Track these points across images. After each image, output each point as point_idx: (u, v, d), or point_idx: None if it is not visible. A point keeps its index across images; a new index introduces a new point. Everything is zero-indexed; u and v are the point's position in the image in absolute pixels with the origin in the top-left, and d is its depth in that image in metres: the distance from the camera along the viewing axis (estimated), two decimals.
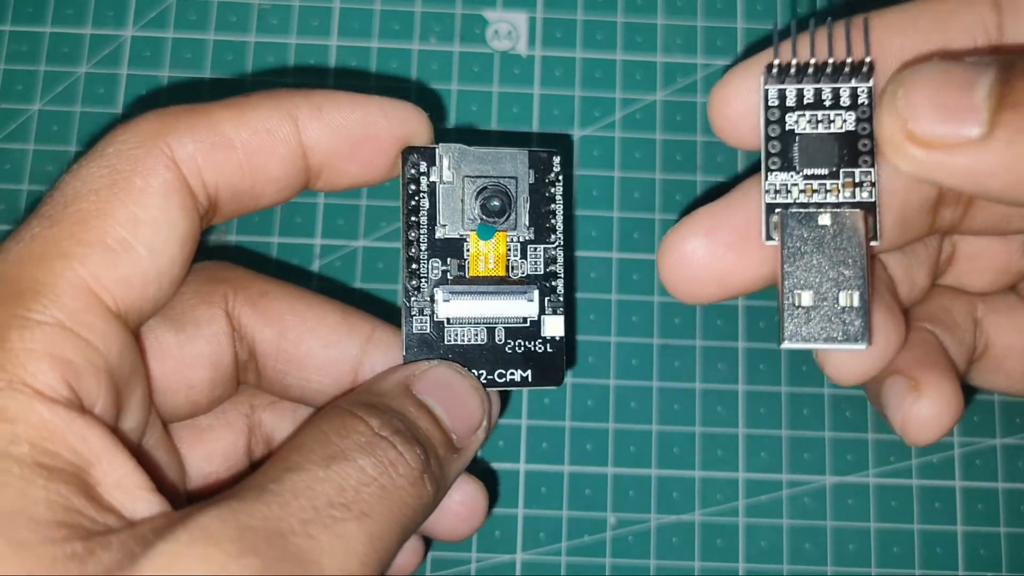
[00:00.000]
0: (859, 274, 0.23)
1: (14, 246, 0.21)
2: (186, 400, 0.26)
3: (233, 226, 0.35)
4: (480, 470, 0.34)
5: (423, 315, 0.25)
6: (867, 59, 0.23)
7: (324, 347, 0.26)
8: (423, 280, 0.25)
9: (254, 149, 0.23)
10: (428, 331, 0.25)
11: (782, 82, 0.24)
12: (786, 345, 0.23)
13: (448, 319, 0.25)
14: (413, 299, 0.25)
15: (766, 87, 0.24)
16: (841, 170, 0.24)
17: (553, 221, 0.26)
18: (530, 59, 0.37)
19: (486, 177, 0.26)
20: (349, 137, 0.24)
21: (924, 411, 0.25)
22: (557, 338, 0.26)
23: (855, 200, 0.24)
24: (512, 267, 0.26)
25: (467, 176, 0.25)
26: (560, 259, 0.26)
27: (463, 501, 0.27)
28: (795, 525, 0.34)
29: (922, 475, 0.34)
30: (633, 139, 0.36)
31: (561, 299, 0.26)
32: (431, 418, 0.24)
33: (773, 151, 0.24)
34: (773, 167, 0.24)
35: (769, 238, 0.24)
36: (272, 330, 0.26)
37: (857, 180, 0.24)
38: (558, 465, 0.34)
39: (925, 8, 0.24)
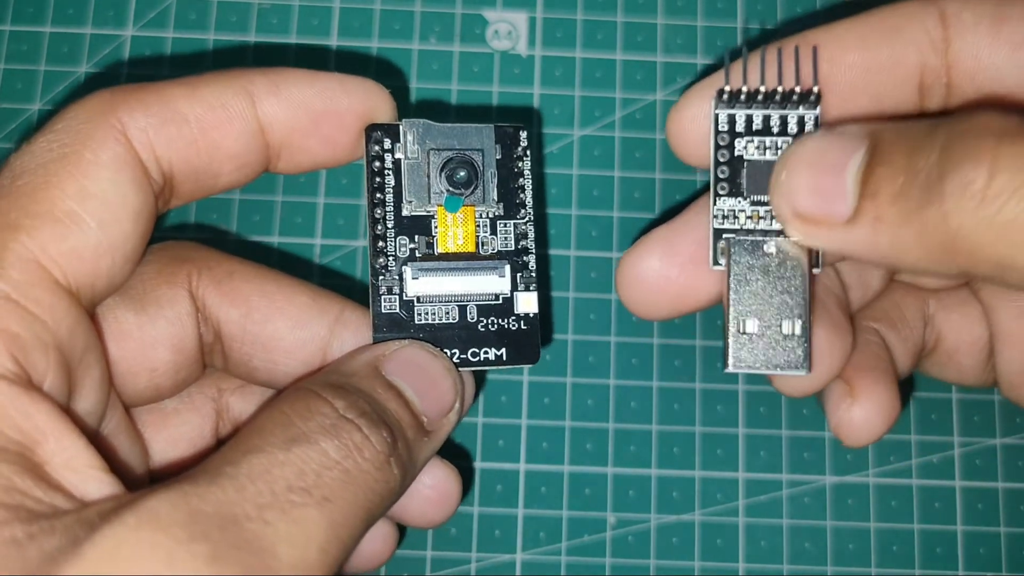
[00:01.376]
0: (801, 302, 0.24)
1: None
2: (149, 383, 0.25)
3: (233, 226, 0.35)
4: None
5: (392, 294, 0.25)
6: (815, 88, 0.24)
7: (291, 328, 0.25)
8: (390, 258, 0.25)
9: (208, 124, 0.23)
10: (397, 310, 0.25)
11: (732, 107, 0.24)
12: (730, 370, 0.24)
13: (418, 297, 0.25)
14: (381, 278, 0.25)
15: (716, 111, 0.24)
16: None
17: (522, 196, 0.26)
18: (530, 59, 0.37)
19: (452, 150, 0.25)
20: (308, 112, 0.24)
21: (857, 416, 0.26)
22: (531, 315, 0.25)
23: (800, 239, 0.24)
24: (482, 243, 0.25)
25: (432, 150, 0.25)
26: (531, 234, 0.26)
27: (434, 485, 0.26)
28: (795, 525, 0.34)
29: (922, 475, 0.34)
30: (633, 139, 0.36)
31: (534, 275, 0.25)
32: (401, 400, 0.23)
33: (722, 176, 0.24)
34: (722, 192, 0.24)
35: (716, 263, 0.24)
36: (238, 311, 0.25)
37: None
38: (558, 465, 0.34)
39: (874, 23, 0.24)
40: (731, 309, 0.24)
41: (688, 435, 0.34)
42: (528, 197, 0.26)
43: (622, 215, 0.35)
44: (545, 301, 0.34)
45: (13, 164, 0.21)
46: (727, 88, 0.24)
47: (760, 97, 0.24)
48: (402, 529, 0.28)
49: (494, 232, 0.25)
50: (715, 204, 0.24)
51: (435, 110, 0.36)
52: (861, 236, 0.22)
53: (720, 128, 0.24)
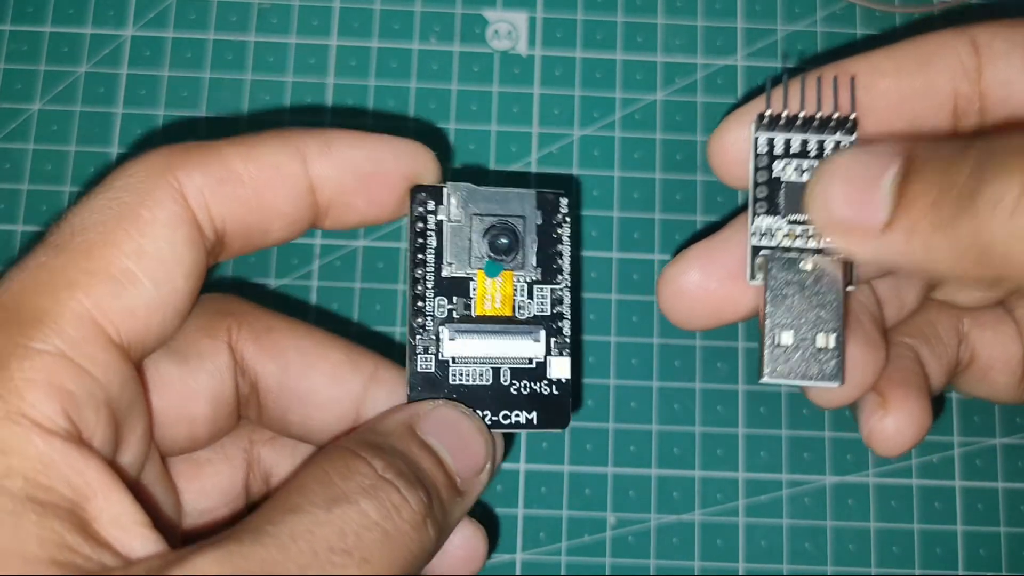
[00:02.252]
0: (836, 317, 0.25)
1: (19, 275, 0.21)
2: (186, 434, 0.25)
3: None
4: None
5: (428, 354, 0.25)
6: (852, 115, 0.25)
7: (327, 384, 0.26)
8: (428, 318, 0.25)
9: (262, 184, 0.23)
10: (433, 370, 0.25)
11: (772, 130, 0.25)
12: (766, 380, 0.25)
13: (453, 358, 0.25)
14: (418, 337, 0.25)
15: (756, 135, 0.25)
16: None
17: (560, 262, 0.26)
18: (530, 59, 0.37)
19: (494, 215, 0.25)
20: (356, 174, 0.24)
21: (889, 427, 0.27)
22: (563, 380, 0.26)
23: (834, 246, 0.25)
24: (519, 307, 0.26)
25: (475, 214, 0.25)
26: (567, 300, 0.26)
27: (462, 545, 0.27)
28: (795, 525, 0.34)
29: (922, 475, 0.34)
30: (633, 139, 0.36)
31: (568, 340, 0.26)
32: (435, 460, 0.23)
33: (760, 196, 0.25)
34: (760, 211, 0.25)
35: (753, 278, 0.25)
36: (275, 365, 0.26)
37: None
38: (558, 465, 0.34)
39: (908, 51, 0.25)
40: (767, 322, 0.25)
41: (688, 435, 0.34)
42: (566, 263, 0.26)
43: (622, 215, 0.35)
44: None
45: (72, 219, 0.22)
46: (768, 112, 0.25)
47: (799, 122, 0.25)
48: None
49: (531, 296, 0.26)
50: (753, 222, 0.25)
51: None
52: (895, 244, 0.22)
53: (759, 150, 0.25)
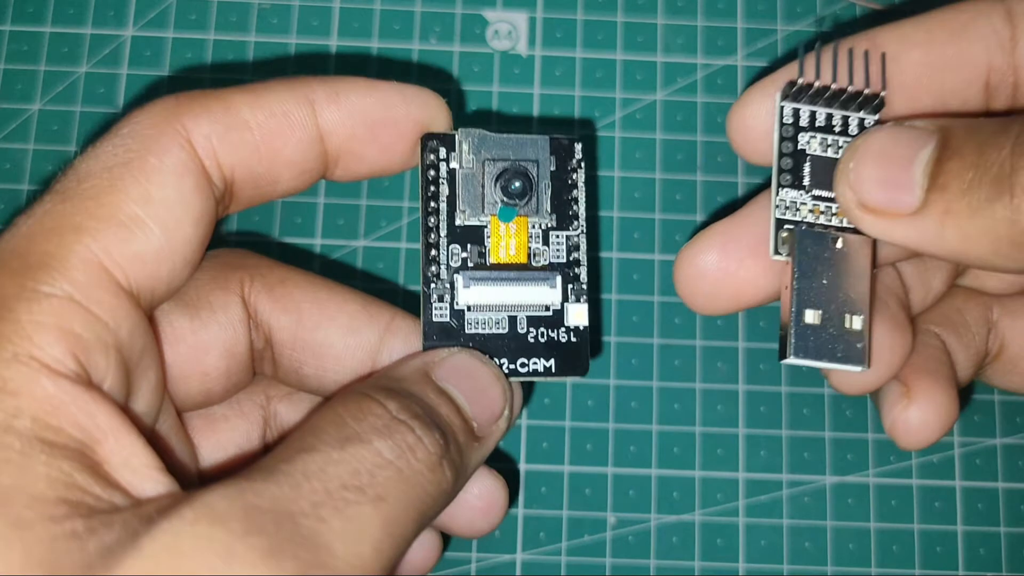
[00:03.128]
0: (863, 299, 0.24)
1: (25, 221, 0.21)
2: (200, 388, 0.25)
3: (233, 226, 0.35)
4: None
5: (443, 302, 0.25)
6: (881, 93, 0.24)
7: (342, 335, 0.26)
8: (443, 267, 0.25)
9: (270, 132, 0.23)
10: (448, 319, 0.25)
11: (798, 101, 0.24)
12: (790, 360, 0.24)
13: (469, 306, 0.25)
14: (433, 286, 0.25)
15: (782, 104, 0.24)
16: None
17: (575, 208, 0.26)
18: (530, 59, 0.37)
19: (507, 160, 0.25)
20: (366, 120, 0.24)
21: (913, 418, 0.26)
22: (581, 327, 0.25)
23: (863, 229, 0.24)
24: (534, 254, 0.25)
25: (487, 160, 0.25)
26: (583, 246, 0.26)
27: (482, 495, 0.27)
28: (795, 525, 0.34)
29: (922, 475, 0.34)
30: (633, 139, 0.36)
31: (584, 287, 0.25)
32: (452, 405, 0.23)
33: (785, 168, 0.24)
34: (784, 183, 0.24)
35: (777, 253, 0.24)
36: (289, 318, 0.26)
37: None
38: (558, 465, 0.34)
39: (940, 20, 0.24)
40: (795, 298, 0.24)
41: (688, 435, 0.34)
42: (581, 209, 0.26)
43: (622, 215, 0.35)
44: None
45: (78, 167, 0.22)
46: (799, 80, 0.24)
47: (827, 94, 0.24)
48: (445, 539, 0.29)
49: (546, 243, 0.25)
50: (777, 194, 0.24)
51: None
52: (928, 228, 0.22)
53: (785, 120, 0.24)
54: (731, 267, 0.25)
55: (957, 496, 0.34)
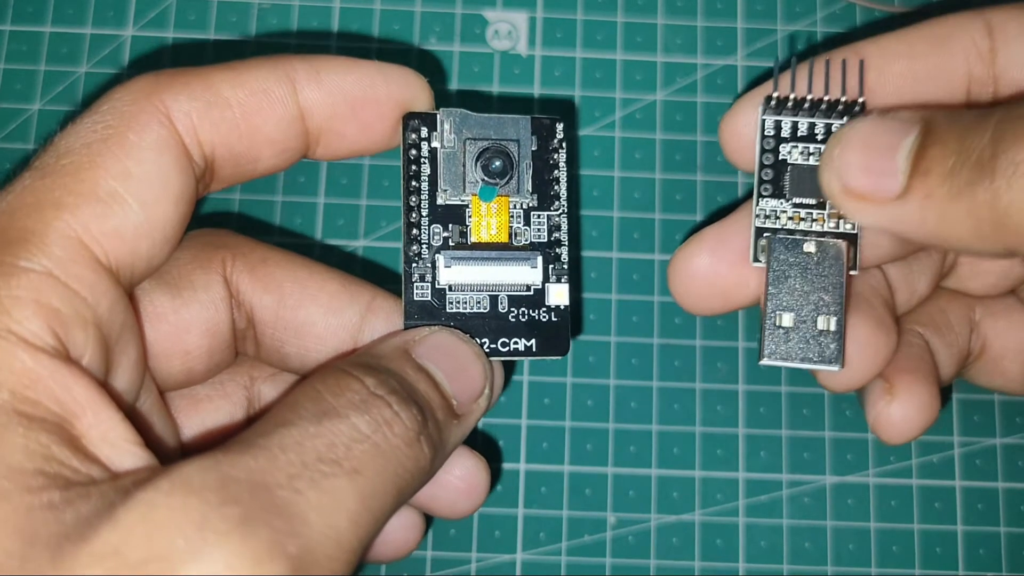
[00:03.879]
0: (837, 300, 0.25)
1: (5, 196, 0.21)
2: (182, 367, 0.25)
3: (232, 226, 0.35)
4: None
5: (424, 282, 0.25)
6: (860, 99, 0.25)
7: (323, 314, 0.26)
8: (424, 246, 0.25)
9: (250, 109, 0.23)
10: (429, 298, 0.25)
11: (779, 113, 0.25)
12: (765, 362, 0.25)
13: (450, 285, 0.25)
14: (414, 265, 0.25)
15: (763, 117, 0.25)
16: (828, 202, 0.25)
17: (556, 188, 0.26)
18: (530, 59, 0.37)
19: (488, 139, 0.25)
20: (347, 99, 0.24)
21: (895, 413, 0.26)
22: (562, 306, 0.25)
23: (839, 231, 0.25)
24: (515, 234, 0.25)
25: (468, 139, 0.25)
26: (564, 226, 0.26)
27: (463, 476, 0.27)
28: (795, 525, 0.34)
29: (922, 475, 0.34)
30: (633, 139, 0.36)
31: (565, 267, 0.25)
32: (430, 382, 0.23)
33: (766, 178, 0.25)
34: (765, 193, 0.25)
35: (756, 260, 0.25)
36: (271, 297, 0.26)
37: (841, 213, 0.25)
38: (558, 465, 0.34)
39: (921, 33, 0.25)
40: (768, 303, 0.25)
41: (688, 435, 0.34)
42: (562, 189, 0.26)
43: (622, 215, 0.35)
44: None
45: (58, 144, 0.22)
46: (775, 95, 0.25)
47: (807, 105, 0.25)
48: (428, 521, 0.29)
49: (528, 223, 0.25)
50: (758, 204, 0.25)
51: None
52: (910, 213, 0.22)
53: (766, 133, 0.25)
54: (721, 270, 0.26)
55: (957, 496, 0.34)
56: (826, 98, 0.25)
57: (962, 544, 0.33)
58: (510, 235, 0.25)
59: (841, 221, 0.25)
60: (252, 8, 0.37)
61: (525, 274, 0.25)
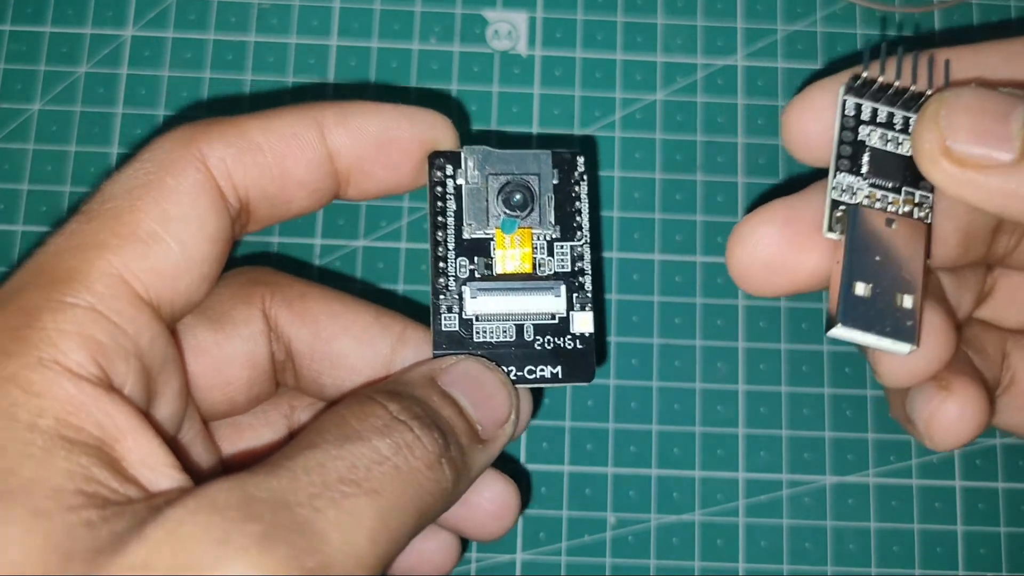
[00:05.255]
0: (916, 280, 0.24)
1: (53, 239, 0.23)
2: (224, 398, 0.26)
3: None
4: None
5: (451, 313, 0.26)
6: None
7: (357, 346, 0.27)
8: (451, 279, 0.26)
9: (281, 153, 0.24)
10: (457, 328, 0.26)
11: (861, 96, 0.25)
12: (838, 330, 0.23)
13: (476, 316, 0.26)
14: (442, 297, 0.26)
15: (845, 97, 0.25)
16: (904, 188, 0.25)
17: (579, 219, 0.26)
18: (530, 59, 0.37)
19: (510, 174, 0.26)
20: (373, 141, 0.25)
21: (951, 411, 0.25)
22: (587, 334, 0.26)
23: (914, 218, 0.24)
24: (539, 264, 0.26)
25: (491, 175, 0.26)
26: (587, 256, 0.26)
27: (492, 498, 0.27)
28: (795, 525, 0.34)
29: (922, 475, 0.34)
30: (633, 139, 0.36)
31: (589, 295, 0.26)
32: (455, 408, 0.24)
33: (844, 155, 0.25)
34: (842, 168, 0.24)
35: (831, 230, 0.24)
36: (307, 330, 0.27)
37: (917, 200, 0.25)
38: (558, 465, 0.34)
39: (997, 48, 0.25)
40: (845, 271, 0.23)
41: (688, 435, 0.34)
42: (585, 220, 0.26)
43: (622, 215, 0.35)
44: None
45: (104, 189, 0.23)
46: (864, 75, 0.24)
47: (891, 91, 0.24)
48: (464, 544, 0.29)
49: (551, 254, 0.26)
50: (835, 177, 0.24)
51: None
52: (1019, 183, 0.21)
53: (847, 112, 0.25)
54: (793, 244, 0.25)
55: (957, 496, 0.34)
56: (912, 87, 0.24)
57: (962, 544, 0.33)
58: (534, 266, 0.26)
59: (916, 209, 0.24)
60: (252, 8, 0.37)
61: (549, 303, 0.26)
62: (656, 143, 0.36)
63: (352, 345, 0.27)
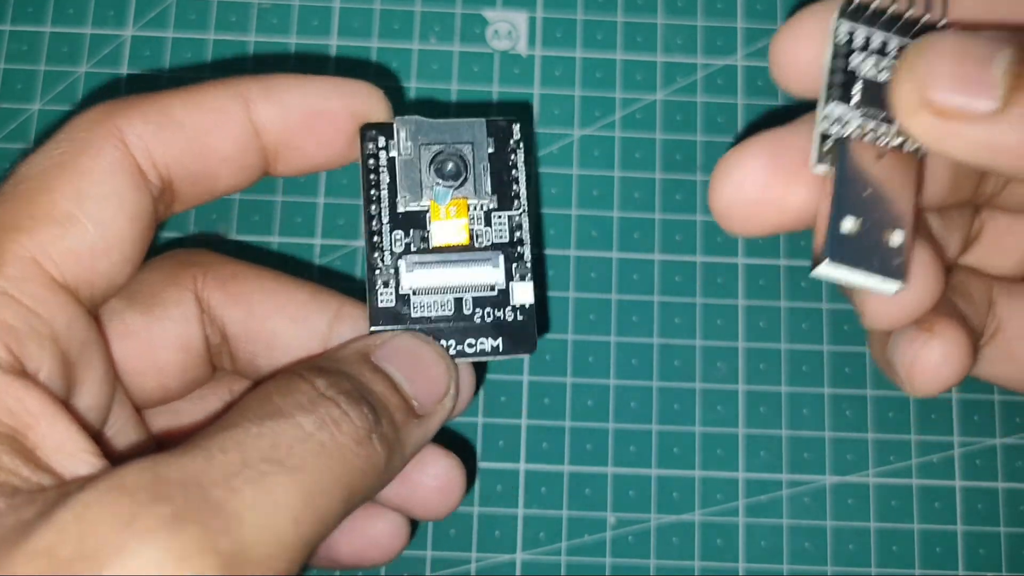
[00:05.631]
0: (906, 217, 0.22)
1: None
2: (156, 383, 0.26)
3: (233, 225, 0.35)
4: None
5: (387, 288, 0.25)
6: (941, 22, 0.23)
7: (292, 324, 0.26)
8: (386, 253, 0.25)
9: (204, 129, 0.24)
10: (394, 304, 0.25)
11: (854, 21, 0.23)
12: (824, 268, 0.22)
13: (413, 290, 0.25)
14: (377, 272, 0.25)
15: (839, 20, 0.23)
16: (896, 120, 0.23)
17: (516, 188, 0.26)
18: (530, 59, 0.37)
19: (443, 143, 0.25)
20: (300, 113, 0.25)
21: (935, 353, 0.24)
22: (527, 305, 0.25)
23: (905, 151, 0.23)
24: (476, 235, 0.25)
25: (423, 145, 0.25)
26: (525, 226, 0.26)
27: (437, 475, 0.27)
28: (795, 525, 0.34)
29: (922, 475, 0.34)
30: (633, 139, 0.36)
31: (528, 266, 0.26)
32: (388, 383, 0.23)
33: (835, 83, 0.23)
34: (832, 97, 0.23)
35: (819, 163, 0.23)
36: (241, 310, 0.26)
37: None
38: (558, 465, 0.34)
39: None
40: (834, 204, 0.22)
41: (688, 435, 0.34)
42: (522, 189, 0.26)
43: (622, 215, 0.35)
44: (541, 291, 0.34)
45: (17, 172, 0.22)
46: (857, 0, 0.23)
47: (885, 17, 0.23)
48: (414, 525, 0.29)
49: (489, 224, 0.26)
50: (825, 107, 0.23)
51: (435, 108, 0.36)
52: (1003, 134, 0.20)
53: (839, 39, 0.23)
54: (780, 176, 0.23)
55: (957, 496, 0.34)
56: (908, 13, 0.23)
57: (962, 544, 0.33)
58: (471, 237, 0.25)
59: (907, 142, 0.23)
60: (252, 8, 0.37)
61: (488, 274, 0.25)
62: (656, 143, 0.36)
63: (287, 324, 0.26)
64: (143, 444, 0.25)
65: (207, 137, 0.24)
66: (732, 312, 0.35)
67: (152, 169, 0.23)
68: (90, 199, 0.22)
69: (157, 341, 0.25)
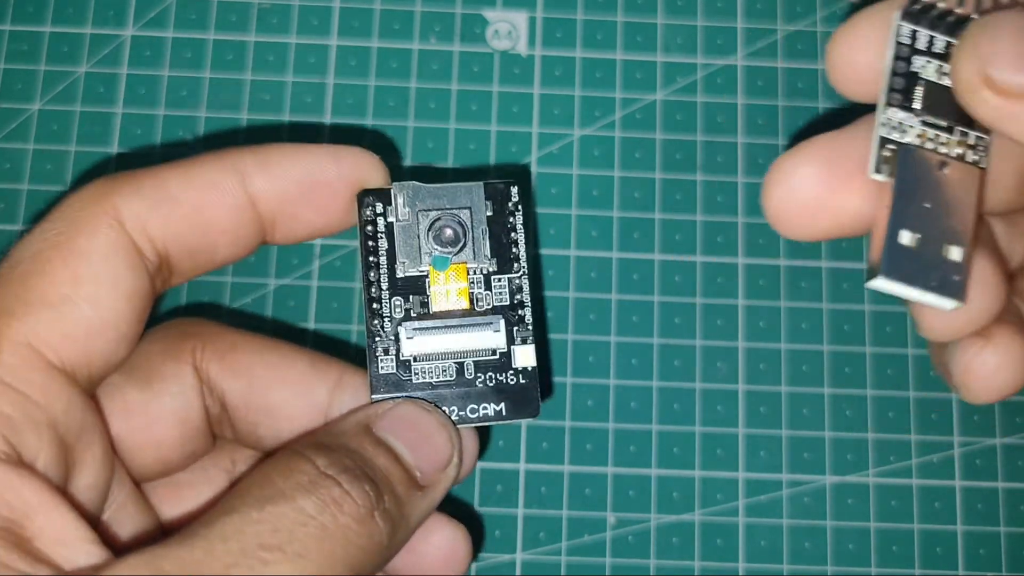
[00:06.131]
0: (966, 231, 0.22)
1: None
2: (156, 458, 0.25)
3: None
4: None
5: (388, 355, 0.25)
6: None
7: (292, 395, 0.26)
8: (386, 319, 0.25)
9: (200, 203, 0.24)
10: (394, 371, 0.25)
11: (917, 23, 0.23)
12: (879, 282, 0.22)
13: (414, 356, 0.25)
14: (377, 339, 0.25)
15: (901, 22, 0.23)
16: (957, 128, 0.23)
17: (515, 251, 0.26)
18: (530, 59, 0.37)
19: (441, 209, 0.25)
20: (296, 183, 0.24)
21: (989, 361, 0.23)
22: (529, 368, 0.25)
23: (966, 161, 0.23)
24: (476, 299, 0.25)
25: (421, 211, 0.25)
26: (526, 288, 0.25)
27: (441, 545, 0.26)
28: (795, 525, 0.34)
29: (922, 475, 0.34)
30: (633, 139, 0.36)
31: (530, 328, 0.25)
32: (390, 455, 0.23)
33: (896, 87, 0.22)
34: (893, 102, 0.22)
35: (877, 171, 0.22)
36: (241, 382, 0.26)
37: (972, 142, 0.23)
38: (558, 465, 0.34)
39: None
40: (892, 218, 0.22)
41: (688, 435, 0.34)
42: (522, 251, 0.26)
43: (622, 215, 0.35)
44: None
45: (12, 254, 0.22)
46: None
47: (950, 19, 0.22)
48: None
49: (488, 288, 0.25)
50: (885, 112, 0.22)
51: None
52: None
53: (901, 40, 0.22)
54: (836, 183, 0.23)
55: (957, 496, 0.34)
56: (973, 16, 0.22)
57: (962, 544, 0.33)
58: (471, 301, 0.25)
59: (970, 151, 0.22)
60: (252, 8, 0.37)
61: (489, 339, 0.25)
62: (656, 143, 0.36)
63: (288, 395, 0.26)
64: (144, 525, 0.25)
65: (204, 211, 0.24)
66: (732, 312, 0.35)
67: (149, 246, 0.23)
68: (86, 281, 0.22)
69: (156, 416, 0.25)
